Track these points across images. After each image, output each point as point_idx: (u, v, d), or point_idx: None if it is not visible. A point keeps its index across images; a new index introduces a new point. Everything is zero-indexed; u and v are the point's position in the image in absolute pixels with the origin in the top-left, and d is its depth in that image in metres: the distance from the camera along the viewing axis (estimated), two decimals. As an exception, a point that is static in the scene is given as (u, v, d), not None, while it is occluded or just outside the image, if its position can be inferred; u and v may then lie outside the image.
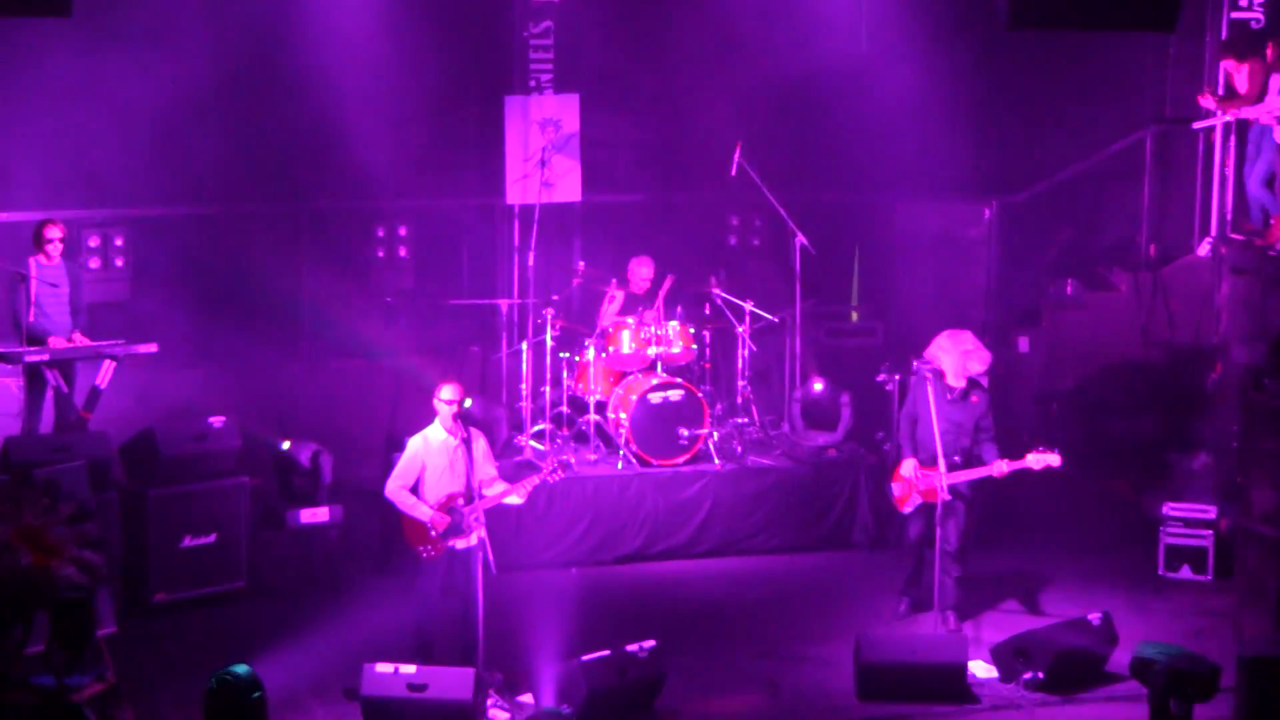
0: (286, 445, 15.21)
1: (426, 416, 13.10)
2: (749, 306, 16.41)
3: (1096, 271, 18.78)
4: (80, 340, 15.26)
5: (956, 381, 14.00)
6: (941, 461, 13.67)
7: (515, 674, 13.05)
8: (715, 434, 16.11)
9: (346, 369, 16.77)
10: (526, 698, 12.76)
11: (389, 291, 18.00)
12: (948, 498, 13.73)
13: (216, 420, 14.86)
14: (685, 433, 15.95)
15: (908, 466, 13.99)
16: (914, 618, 14.31)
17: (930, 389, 13.90)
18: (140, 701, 11.90)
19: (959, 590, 14.02)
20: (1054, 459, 13.83)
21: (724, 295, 16.56)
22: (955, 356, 14.07)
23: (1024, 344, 18.28)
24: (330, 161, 17.02)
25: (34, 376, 15.07)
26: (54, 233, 15.19)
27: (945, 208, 18.52)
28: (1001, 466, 13.86)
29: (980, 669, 13.44)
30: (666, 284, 16.47)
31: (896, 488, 14.17)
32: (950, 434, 13.87)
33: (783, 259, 17.22)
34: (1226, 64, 17.39)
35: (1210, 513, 15.59)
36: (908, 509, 14.08)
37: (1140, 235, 18.66)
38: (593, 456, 16.13)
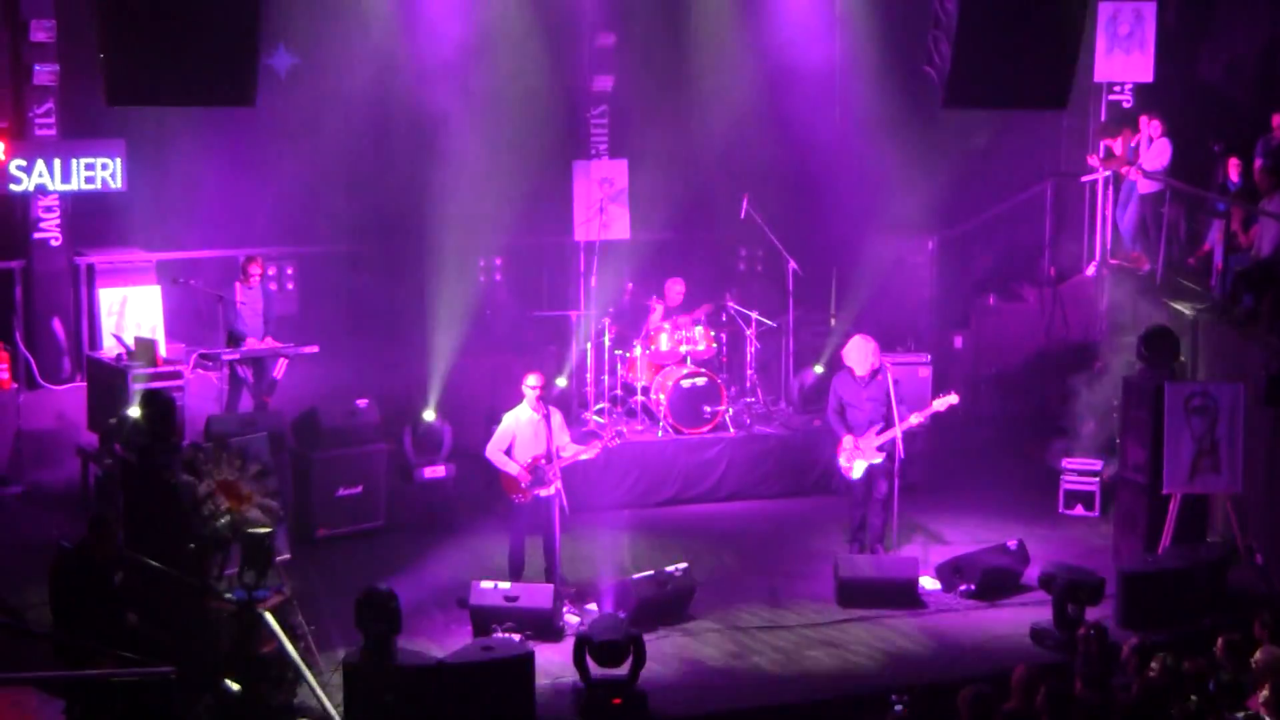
0: (428, 416, 15.18)
1: (516, 398, 13.07)
2: (754, 315, 16.30)
3: (1011, 287, 18.65)
4: (266, 343, 15.32)
5: (863, 371, 13.76)
6: (897, 428, 13.52)
7: (584, 588, 13.07)
8: (730, 410, 16.00)
9: (457, 363, 16.69)
10: (591, 606, 12.76)
11: (489, 306, 17.96)
12: (903, 455, 13.62)
13: (362, 402, 14.84)
14: (708, 409, 15.87)
15: (849, 441, 13.65)
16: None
17: (853, 378, 13.73)
18: (308, 609, 11.88)
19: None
20: (953, 398, 13.70)
21: (736, 307, 16.45)
22: (865, 353, 13.78)
23: (958, 341, 18.16)
24: (446, 210, 16.95)
25: (232, 371, 15.19)
26: (255, 269, 15.45)
27: (899, 240, 18.37)
28: (917, 417, 13.66)
29: (927, 582, 13.40)
30: (705, 308, 16.43)
31: (846, 457, 13.77)
32: (873, 407, 13.68)
33: (779, 279, 17.09)
34: (1105, 134, 17.45)
35: (1096, 465, 15.48)
36: (859, 476, 13.74)
37: (1043, 260, 18.55)
38: (640, 427, 16.03)
